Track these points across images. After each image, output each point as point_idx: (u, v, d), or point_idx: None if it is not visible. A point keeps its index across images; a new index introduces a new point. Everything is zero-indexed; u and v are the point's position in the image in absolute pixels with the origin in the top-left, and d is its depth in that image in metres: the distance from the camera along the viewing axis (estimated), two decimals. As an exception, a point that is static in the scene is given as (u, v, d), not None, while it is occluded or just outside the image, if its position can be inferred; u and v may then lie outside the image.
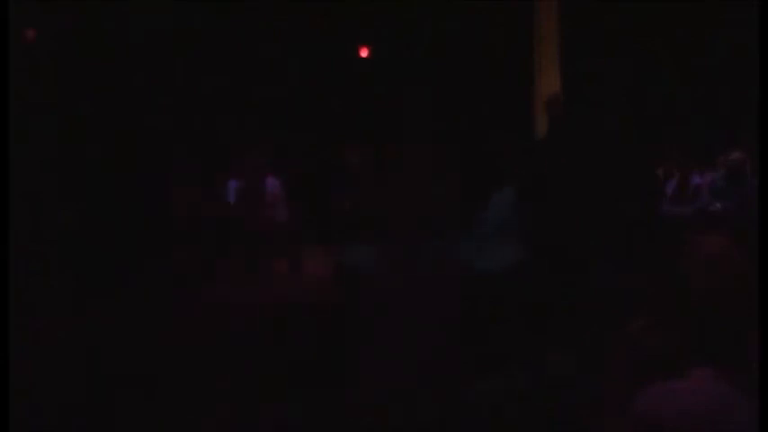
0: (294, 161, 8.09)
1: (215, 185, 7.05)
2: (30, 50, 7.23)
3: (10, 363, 2.60)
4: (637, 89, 8.14)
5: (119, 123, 7.69)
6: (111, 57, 7.82)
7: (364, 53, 9.67)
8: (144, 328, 4.56)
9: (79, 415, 3.40)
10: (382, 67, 9.48)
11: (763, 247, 1.90)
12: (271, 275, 6.44)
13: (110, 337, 4.40)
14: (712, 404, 1.51)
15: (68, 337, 4.39)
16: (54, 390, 3.63)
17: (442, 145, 7.47)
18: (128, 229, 6.30)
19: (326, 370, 3.85)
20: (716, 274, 1.59)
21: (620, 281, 3.69)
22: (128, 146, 7.48)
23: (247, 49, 8.72)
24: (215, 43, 8.55)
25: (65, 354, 4.12)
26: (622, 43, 8.29)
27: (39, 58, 7.35)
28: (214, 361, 4.05)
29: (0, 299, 2.81)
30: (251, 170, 6.95)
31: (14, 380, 2.61)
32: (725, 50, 8.48)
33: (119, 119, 7.73)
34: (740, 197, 6.32)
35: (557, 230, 4.12)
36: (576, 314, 3.85)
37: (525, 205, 4.27)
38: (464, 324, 3.96)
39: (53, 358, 4.04)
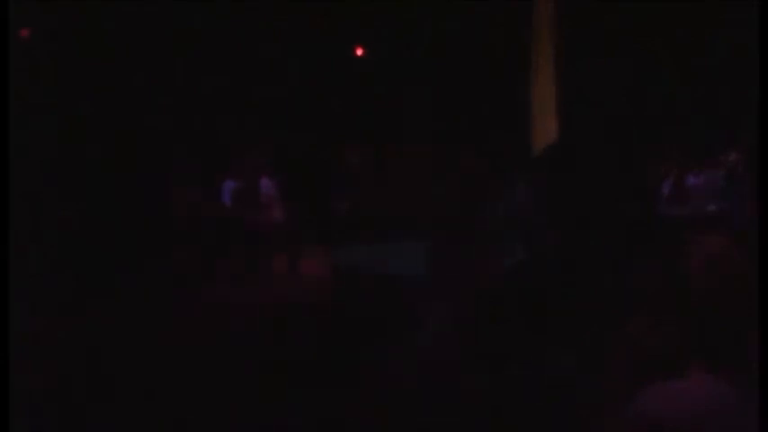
0: (293, 161, 8.08)
1: (212, 186, 7.05)
2: (30, 50, 7.23)
3: (10, 363, 2.60)
4: (635, 89, 8.14)
5: (119, 123, 7.69)
6: (112, 57, 7.82)
7: (359, 52, 9.67)
8: (142, 328, 4.56)
9: (79, 415, 3.40)
10: (382, 67, 9.48)
11: (763, 247, 1.90)
12: (268, 275, 6.45)
13: (109, 336, 4.40)
14: (712, 404, 1.51)
15: (68, 337, 4.39)
16: (54, 390, 3.63)
17: (440, 145, 7.48)
18: (127, 228, 6.30)
19: (325, 370, 3.85)
20: (714, 274, 1.59)
21: (619, 281, 3.69)
22: (127, 146, 7.48)
23: (247, 49, 8.72)
24: (215, 43, 8.54)
25: (65, 354, 4.12)
26: (622, 43, 8.29)
27: (39, 58, 7.35)
28: (211, 360, 4.05)
29: (0, 299, 2.81)
30: (246, 171, 6.96)
31: (14, 380, 2.61)
32: (725, 50, 8.48)
33: (119, 119, 7.74)
34: (736, 197, 6.32)
35: (556, 231, 4.11)
36: (576, 314, 3.84)
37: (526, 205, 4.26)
38: (473, 323, 3.97)
39: (53, 358, 4.04)
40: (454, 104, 8.72)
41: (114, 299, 5.15)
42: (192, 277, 5.97)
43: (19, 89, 4.57)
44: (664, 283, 1.70)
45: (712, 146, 7.21)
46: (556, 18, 7.72)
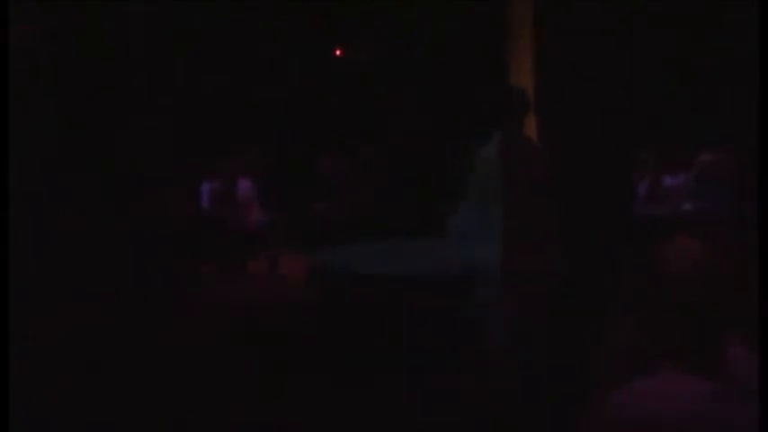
0: (278, 162, 8.11)
1: (198, 186, 7.08)
2: (30, 50, 7.24)
3: (10, 363, 2.61)
4: (619, 87, 8.10)
5: (119, 123, 7.70)
6: (112, 57, 7.82)
7: (339, 53, 9.66)
8: (136, 328, 4.57)
9: (78, 415, 3.42)
10: (368, 69, 9.47)
11: (763, 247, 1.91)
12: (248, 275, 6.49)
13: (105, 336, 4.41)
14: (690, 403, 1.52)
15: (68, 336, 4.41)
16: (54, 390, 3.64)
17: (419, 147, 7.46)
18: (125, 228, 6.32)
19: (314, 369, 3.87)
20: (690, 273, 1.60)
21: (605, 280, 3.70)
22: (126, 145, 7.49)
23: (245, 50, 8.72)
24: (215, 43, 8.55)
25: (64, 354, 4.13)
26: (607, 42, 8.22)
27: (39, 58, 7.36)
28: (200, 360, 4.07)
29: (0, 299, 2.82)
30: (224, 172, 7.01)
31: (14, 380, 2.62)
32: (725, 50, 8.47)
33: (119, 119, 7.75)
34: (712, 198, 6.36)
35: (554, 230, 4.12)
36: (557, 314, 3.86)
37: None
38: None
39: (53, 358, 4.05)
40: (445, 104, 8.72)
41: (112, 298, 5.16)
42: (183, 277, 6.00)
43: (19, 89, 4.59)
44: (641, 282, 1.71)
45: (691, 146, 7.22)
46: (532, 14, 7.63)
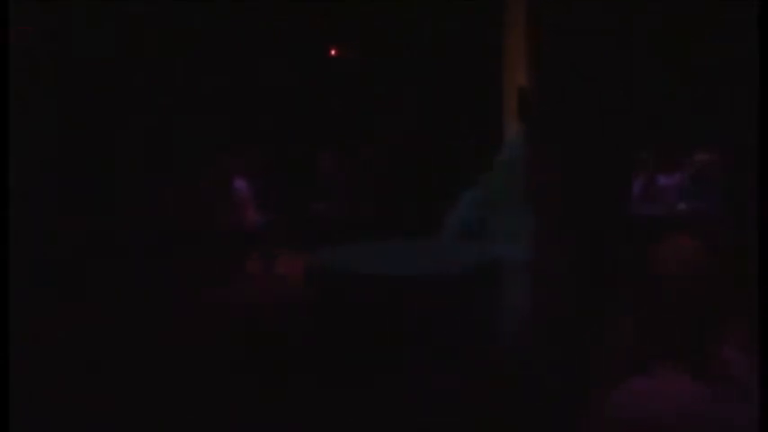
0: (277, 163, 8.11)
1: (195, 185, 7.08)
2: (30, 50, 7.24)
3: (10, 363, 2.61)
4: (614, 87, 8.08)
5: (119, 123, 7.70)
6: (112, 57, 7.82)
7: (335, 52, 9.66)
8: (135, 328, 4.58)
9: (76, 414, 3.42)
10: (364, 69, 9.47)
11: (763, 247, 1.91)
12: (245, 275, 6.49)
13: (105, 336, 4.42)
14: (687, 403, 1.52)
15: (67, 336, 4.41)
16: (54, 390, 3.65)
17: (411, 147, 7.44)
18: (125, 228, 6.32)
19: (294, 371, 3.87)
20: (686, 273, 1.60)
21: (602, 280, 3.71)
22: (126, 145, 7.49)
23: (244, 50, 8.72)
24: (215, 43, 8.55)
25: (63, 353, 4.14)
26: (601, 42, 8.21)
27: (39, 58, 7.36)
28: (188, 360, 4.07)
29: (0, 299, 2.82)
30: (225, 172, 7.02)
31: (14, 380, 2.62)
32: (725, 50, 8.46)
33: (119, 119, 7.75)
34: (709, 198, 6.37)
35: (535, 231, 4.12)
36: (554, 315, 3.86)
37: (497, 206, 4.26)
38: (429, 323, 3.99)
39: (52, 358, 4.05)
40: (445, 104, 8.72)
41: (112, 299, 5.17)
42: (183, 277, 6.00)
43: (19, 89, 4.59)
44: (641, 282, 1.71)
45: (691, 146, 7.22)
46: (531, 14, 7.60)
